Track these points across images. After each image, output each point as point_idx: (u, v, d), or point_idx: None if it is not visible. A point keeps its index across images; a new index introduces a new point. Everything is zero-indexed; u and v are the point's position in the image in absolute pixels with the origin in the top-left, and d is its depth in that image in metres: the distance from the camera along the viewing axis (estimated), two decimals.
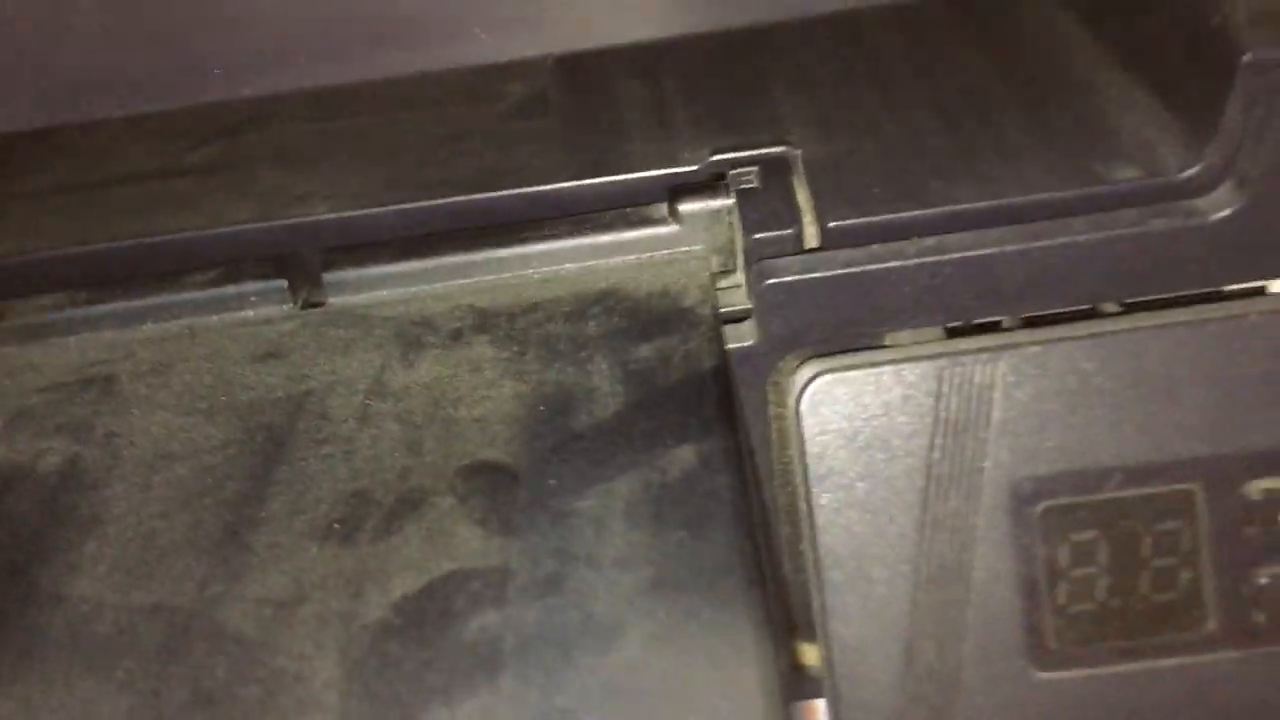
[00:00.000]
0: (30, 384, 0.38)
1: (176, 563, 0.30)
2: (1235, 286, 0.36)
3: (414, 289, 0.40)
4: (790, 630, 0.41)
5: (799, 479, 0.38)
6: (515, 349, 0.36)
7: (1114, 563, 0.36)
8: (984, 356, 0.36)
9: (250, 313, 0.40)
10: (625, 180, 0.40)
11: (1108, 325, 0.37)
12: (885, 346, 0.37)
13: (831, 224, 0.36)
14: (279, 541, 0.30)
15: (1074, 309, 0.37)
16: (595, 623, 0.26)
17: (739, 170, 0.39)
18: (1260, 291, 0.36)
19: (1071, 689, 0.37)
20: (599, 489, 0.30)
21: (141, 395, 0.36)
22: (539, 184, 0.40)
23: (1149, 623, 0.37)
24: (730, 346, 0.37)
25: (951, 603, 0.37)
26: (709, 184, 0.39)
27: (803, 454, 0.37)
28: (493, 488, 0.31)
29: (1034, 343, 0.36)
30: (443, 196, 0.41)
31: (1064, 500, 0.36)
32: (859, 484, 0.37)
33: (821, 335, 0.37)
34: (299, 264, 0.40)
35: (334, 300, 0.40)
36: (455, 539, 0.29)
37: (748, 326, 0.38)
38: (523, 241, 0.39)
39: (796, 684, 0.41)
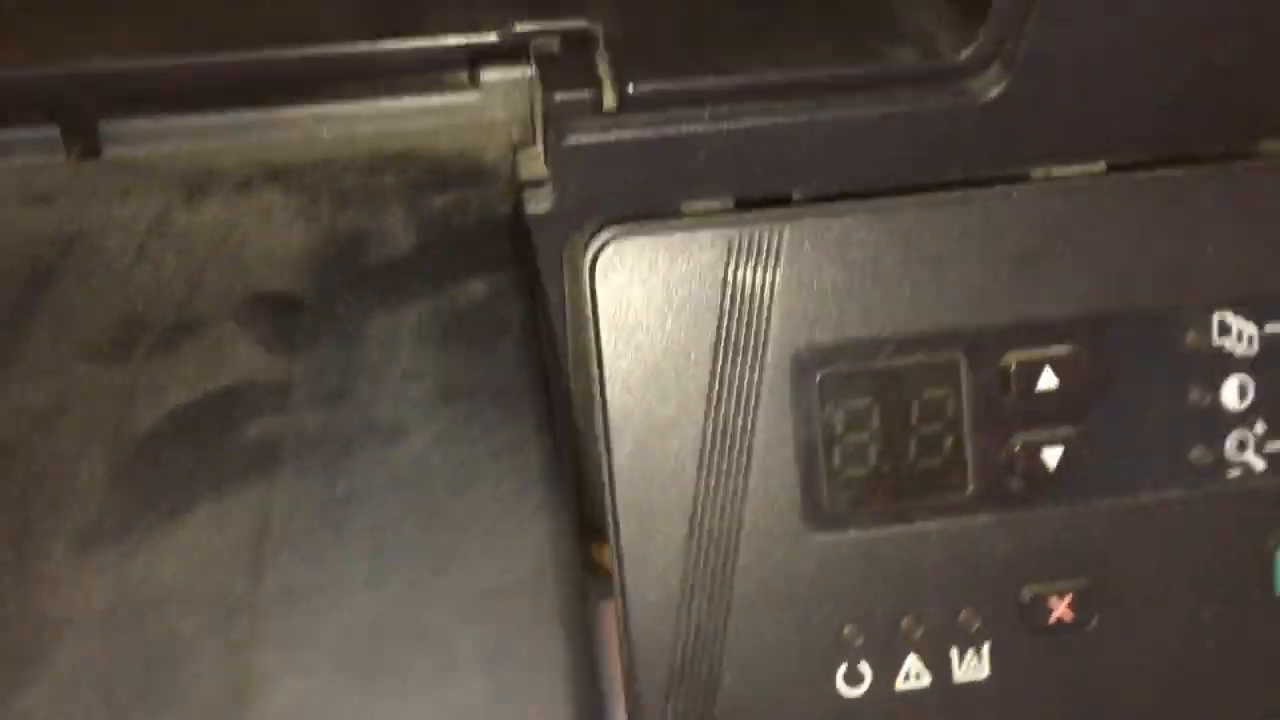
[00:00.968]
0: None
1: None
2: (1005, 173, 0.39)
3: (199, 145, 0.38)
4: (587, 529, 0.42)
5: (591, 349, 0.38)
6: (307, 197, 0.35)
7: (885, 429, 0.38)
8: (772, 227, 0.38)
9: (19, 160, 0.38)
10: (425, 47, 0.40)
11: (886, 203, 0.38)
12: (679, 216, 0.38)
13: (630, 90, 0.37)
14: (42, 361, 0.29)
15: (859, 189, 0.39)
16: (380, 426, 0.26)
17: (541, 40, 0.40)
18: (1025, 177, 0.39)
19: (844, 549, 0.38)
20: (388, 315, 0.29)
21: None
22: (336, 43, 0.39)
23: (916, 487, 0.39)
24: (528, 211, 0.37)
25: (735, 468, 0.38)
26: (510, 52, 0.39)
27: (595, 322, 0.38)
28: (277, 314, 0.30)
29: (818, 216, 0.38)
30: (232, 51, 0.39)
31: (841, 368, 0.38)
32: (650, 352, 0.38)
33: (618, 205, 0.38)
34: (73, 112, 0.38)
35: (111, 151, 0.38)
36: (235, 357, 0.28)
37: (545, 192, 0.38)
38: (316, 101, 0.39)
39: (596, 585, 0.42)
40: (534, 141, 0.39)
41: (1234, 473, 0.39)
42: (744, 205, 0.38)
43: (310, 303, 0.30)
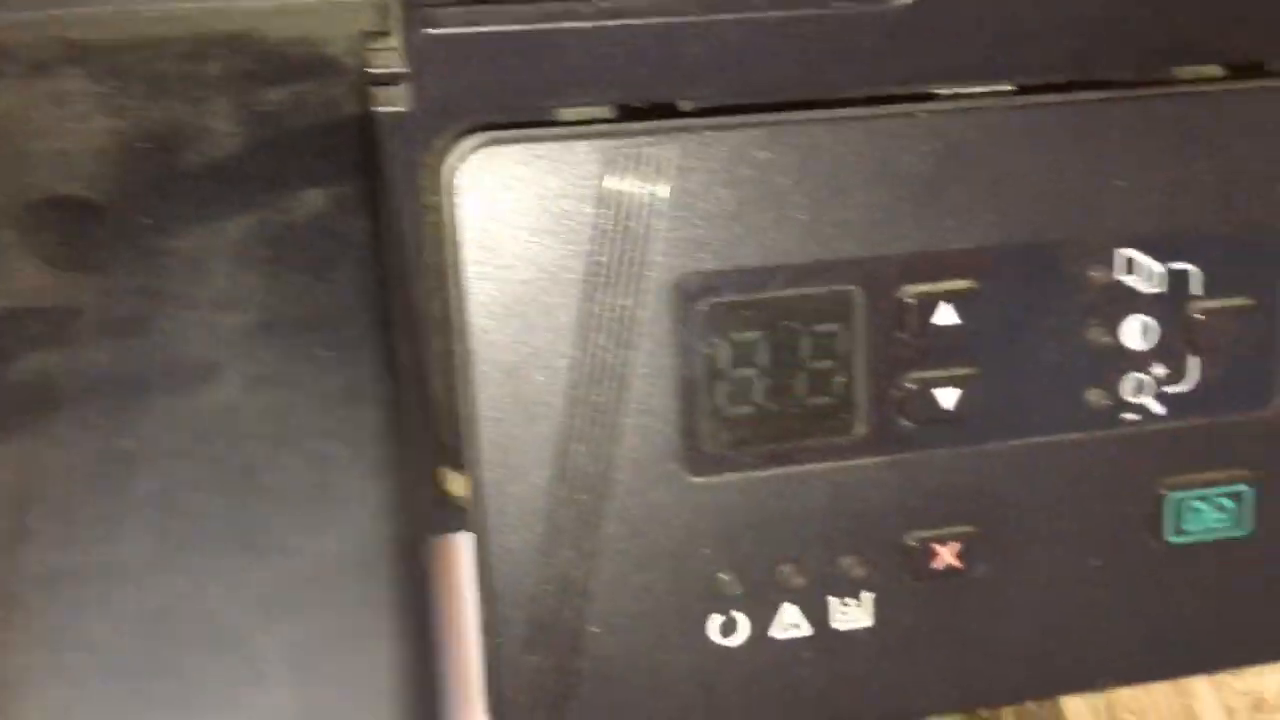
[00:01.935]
0: None
1: None
2: (911, 90, 0.36)
3: None
4: (438, 453, 0.38)
5: (451, 270, 0.34)
6: (113, 84, 0.30)
7: (773, 364, 0.36)
8: (656, 141, 0.34)
9: None
10: None
11: (783, 118, 0.35)
12: (554, 123, 0.34)
13: None
14: None
15: (754, 102, 0.35)
16: (183, 365, 0.21)
17: None
18: (931, 95, 0.36)
19: (723, 493, 0.36)
20: (203, 229, 0.25)
21: None
22: None
23: (803, 426, 0.36)
24: (379, 110, 0.33)
25: (608, 404, 0.35)
26: None
27: (456, 239, 0.34)
28: (67, 223, 0.25)
29: (709, 128, 0.35)
30: None
31: (728, 298, 0.35)
32: (517, 274, 0.34)
33: (484, 107, 0.34)
34: None
35: None
36: (13, 275, 0.24)
37: (400, 90, 0.34)
38: None
39: (441, 515, 0.39)
40: (389, 30, 0.35)
41: (1130, 415, 0.38)
42: (626, 114, 0.35)
43: (108, 211, 0.26)
